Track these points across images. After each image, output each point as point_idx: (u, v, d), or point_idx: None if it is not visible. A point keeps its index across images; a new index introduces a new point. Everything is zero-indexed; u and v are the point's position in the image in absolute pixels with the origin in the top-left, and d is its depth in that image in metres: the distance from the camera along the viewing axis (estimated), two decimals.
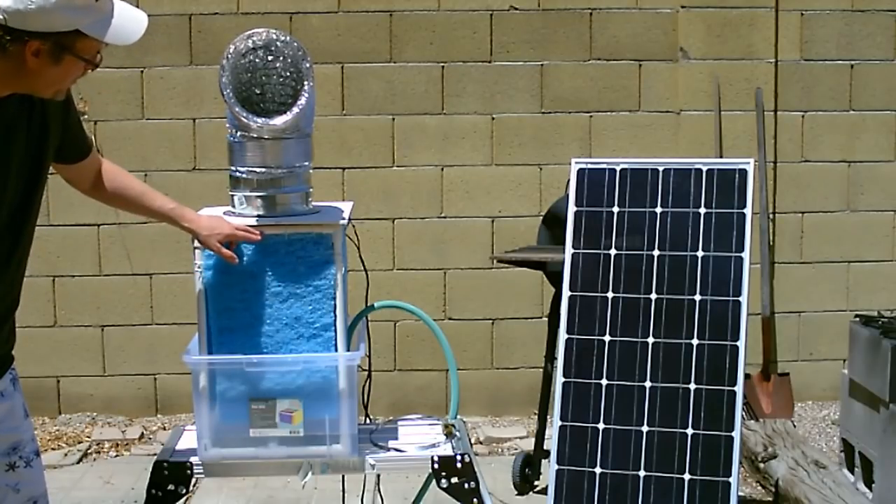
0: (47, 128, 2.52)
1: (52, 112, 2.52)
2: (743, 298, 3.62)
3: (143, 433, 5.52)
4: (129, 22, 2.38)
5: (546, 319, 4.67)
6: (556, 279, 4.26)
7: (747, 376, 5.40)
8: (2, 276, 2.49)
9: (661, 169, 3.80)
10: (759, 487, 4.66)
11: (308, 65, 2.99)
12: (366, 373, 3.32)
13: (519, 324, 5.79)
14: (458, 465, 3.06)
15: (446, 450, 3.13)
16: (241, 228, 2.95)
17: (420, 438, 3.23)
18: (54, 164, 2.68)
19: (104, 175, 2.83)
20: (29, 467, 2.62)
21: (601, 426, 3.67)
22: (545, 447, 4.47)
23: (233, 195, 3.12)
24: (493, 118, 5.71)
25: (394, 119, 5.69)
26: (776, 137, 5.80)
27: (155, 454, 3.18)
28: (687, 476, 3.56)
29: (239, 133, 3.05)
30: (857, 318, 4.64)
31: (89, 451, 5.32)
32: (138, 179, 2.94)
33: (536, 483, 4.70)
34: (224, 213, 3.14)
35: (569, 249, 3.81)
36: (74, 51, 2.31)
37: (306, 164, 3.12)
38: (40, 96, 2.41)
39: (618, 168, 3.84)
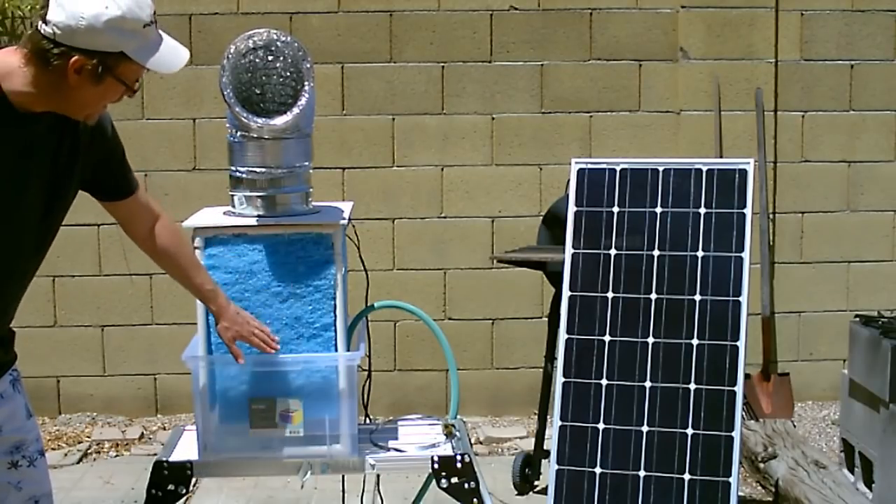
0: (77, 156, 2.52)
1: (86, 142, 2.53)
2: (743, 298, 3.62)
3: (143, 433, 5.52)
4: (171, 53, 2.42)
5: (546, 319, 4.67)
6: (556, 279, 4.26)
7: (747, 376, 5.40)
8: (7, 289, 2.50)
9: (661, 169, 3.80)
10: (759, 487, 4.66)
11: (308, 65, 3.00)
12: (366, 373, 3.32)
13: (519, 324, 5.78)
14: (458, 465, 3.06)
15: (446, 450, 3.13)
16: (258, 336, 2.93)
17: (420, 438, 3.24)
18: (102, 203, 2.69)
19: (158, 231, 2.79)
20: (32, 467, 2.61)
21: (601, 426, 3.67)
22: (545, 447, 4.47)
23: (233, 195, 3.12)
24: (493, 118, 5.71)
25: (394, 119, 5.69)
26: (776, 137, 5.80)
27: (155, 454, 3.18)
28: (687, 476, 3.56)
29: (239, 133, 3.05)
30: (857, 318, 4.63)
31: (89, 451, 5.32)
32: (190, 248, 2.92)
33: (536, 483, 4.70)
34: (224, 213, 3.14)
35: (569, 249, 3.81)
36: (116, 73, 2.35)
37: (306, 164, 3.12)
38: (73, 117, 2.43)
39: (618, 168, 3.84)
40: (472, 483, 3.06)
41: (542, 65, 5.70)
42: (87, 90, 2.34)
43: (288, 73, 3.06)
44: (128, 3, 2.30)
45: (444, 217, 5.75)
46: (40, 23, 2.29)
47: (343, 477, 3.58)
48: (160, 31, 2.42)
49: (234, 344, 2.93)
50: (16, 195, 2.41)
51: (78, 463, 5.18)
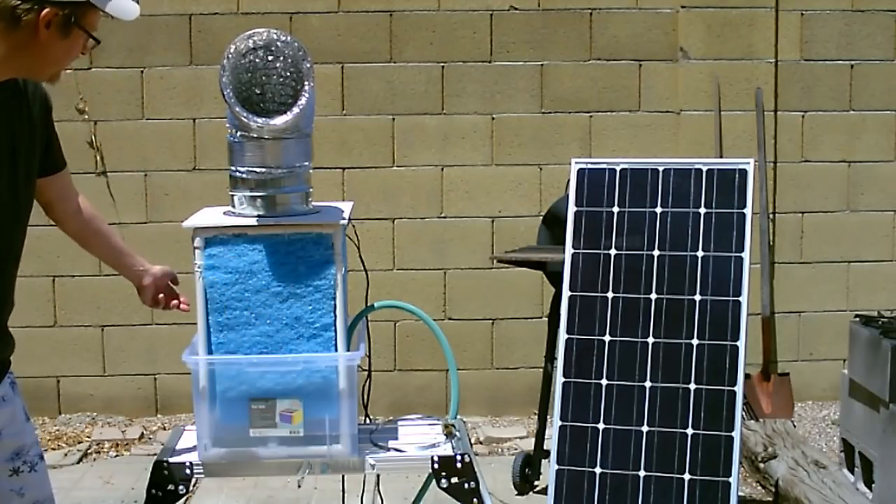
0: (35, 126, 2.53)
1: (37, 113, 2.53)
2: (743, 298, 3.62)
3: (143, 433, 5.52)
4: (127, 1, 2.44)
5: (546, 319, 4.67)
6: (556, 279, 4.26)
7: (747, 376, 5.40)
8: (5, 271, 2.50)
9: (661, 169, 3.80)
10: (759, 487, 4.66)
11: (308, 65, 2.99)
12: (366, 373, 3.32)
13: (519, 324, 5.78)
14: (458, 465, 3.06)
15: (446, 450, 3.13)
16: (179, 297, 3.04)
17: (420, 438, 3.23)
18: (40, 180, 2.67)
19: (85, 209, 2.85)
20: (33, 471, 2.61)
21: (601, 426, 3.67)
22: (545, 447, 4.47)
23: (233, 195, 3.12)
24: (493, 118, 5.71)
25: (394, 119, 5.69)
26: (776, 137, 5.80)
27: (155, 454, 3.18)
28: (687, 476, 3.56)
29: (239, 133, 3.05)
30: (857, 318, 4.64)
31: (89, 451, 5.32)
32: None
33: (536, 483, 4.70)
34: (224, 213, 3.14)
35: (569, 249, 3.81)
36: (83, 23, 2.35)
37: (306, 164, 3.12)
38: (39, 78, 2.43)
39: (618, 168, 3.84)
40: (472, 483, 3.06)
41: (542, 65, 5.71)
42: (56, 44, 2.33)
43: (288, 73, 3.05)
44: None
45: (444, 217, 5.75)
46: None
47: (343, 477, 3.58)
48: None
49: (156, 294, 3.03)
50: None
51: (78, 463, 5.18)
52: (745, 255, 3.66)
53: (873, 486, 4.34)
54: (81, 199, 2.86)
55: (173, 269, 3.10)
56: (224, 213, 3.13)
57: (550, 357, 4.53)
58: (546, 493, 3.73)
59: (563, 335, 3.77)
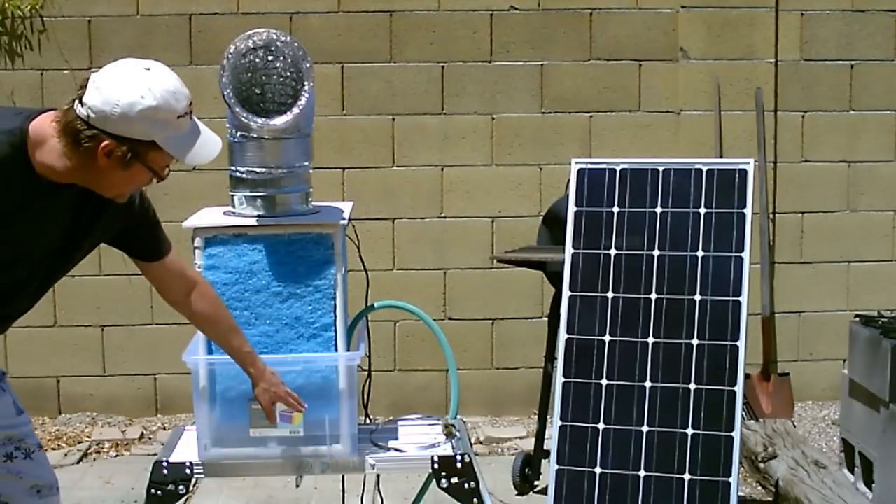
0: (98, 222, 2.55)
1: (111, 213, 2.55)
2: (743, 298, 3.63)
3: (143, 433, 5.52)
4: (204, 143, 2.46)
5: (546, 319, 4.67)
6: (556, 279, 4.26)
7: (747, 376, 5.39)
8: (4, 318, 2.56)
9: (661, 169, 3.80)
10: (759, 487, 4.66)
11: (308, 65, 3.00)
12: (366, 373, 3.32)
13: (519, 324, 5.78)
14: (458, 465, 3.06)
15: (446, 450, 3.13)
16: (291, 395, 2.95)
17: (420, 438, 3.24)
18: (134, 261, 2.74)
19: (194, 298, 2.81)
20: (29, 459, 2.66)
21: (601, 426, 3.67)
22: (545, 447, 4.47)
23: (233, 195, 3.12)
24: (493, 118, 5.71)
25: (394, 119, 5.69)
26: (776, 137, 5.80)
27: (155, 454, 3.19)
28: (687, 476, 3.56)
29: (239, 133, 3.06)
30: (857, 318, 4.63)
31: (89, 451, 5.32)
32: (227, 312, 2.91)
33: (536, 483, 4.70)
34: (224, 213, 3.15)
35: (569, 249, 3.81)
36: (145, 160, 2.38)
37: (306, 164, 3.13)
38: (101, 194, 2.46)
39: (618, 168, 3.84)
40: (472, 483, 3.06)
41: (542, 65, 5.70)
42: (115, 173, 2.36)
43: (288, 73, 3.06)
44: (164, 94, 2.33)
45: (444, 217, 5.75)
46: (76, 102, 2.31)
47: (343, 477, 3.58)
48: (195, 120, 2.44)
49: (272, 406, 2.94)
50: (27, 253, 2.45)
51: (78, 463, 5.18)
52: (745, 255, 3.67)
53: (873, 486, 4.34)
54: (199, 294, 2.82)
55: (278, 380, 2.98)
56: (224, 213, 3.14)
57: (550, 357, 4.53)
58: (546, 493, 3.73)
59: (563, 335, 3.77)
